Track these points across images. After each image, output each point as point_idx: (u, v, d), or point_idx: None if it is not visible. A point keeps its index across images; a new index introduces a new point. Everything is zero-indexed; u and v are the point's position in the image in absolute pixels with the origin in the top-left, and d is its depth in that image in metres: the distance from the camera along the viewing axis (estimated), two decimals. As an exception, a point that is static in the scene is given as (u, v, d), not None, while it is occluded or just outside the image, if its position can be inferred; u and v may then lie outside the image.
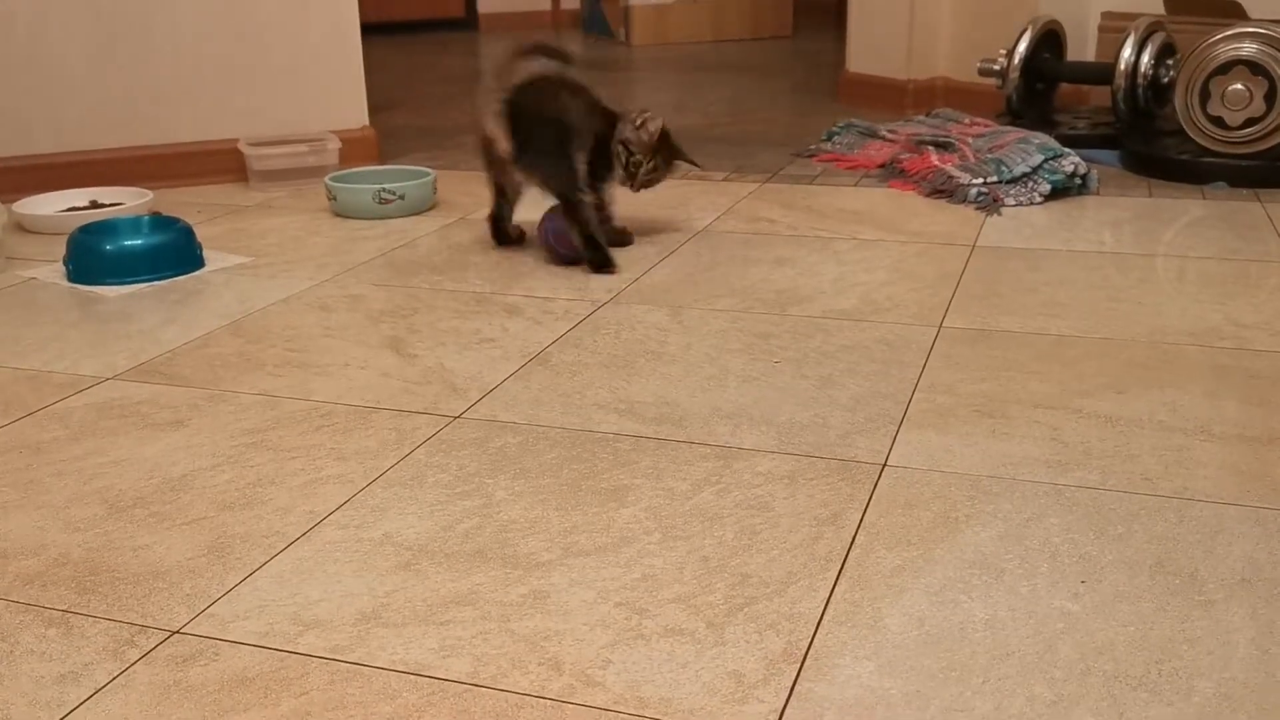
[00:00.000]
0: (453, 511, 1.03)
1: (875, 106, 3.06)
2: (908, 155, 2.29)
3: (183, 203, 2.16)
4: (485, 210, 1.88)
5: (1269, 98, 2.11)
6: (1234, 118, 2.15)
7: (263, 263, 1.80)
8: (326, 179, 2.10)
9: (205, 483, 1.09)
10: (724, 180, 2.30)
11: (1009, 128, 2.34)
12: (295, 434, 1.19)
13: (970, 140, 2.30)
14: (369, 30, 2.56)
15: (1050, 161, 2.10)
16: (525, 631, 0.85)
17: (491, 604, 0.89)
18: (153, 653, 0.84)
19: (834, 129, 2.60)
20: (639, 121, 1.78)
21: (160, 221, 1.77)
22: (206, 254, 1.80)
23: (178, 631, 0.86)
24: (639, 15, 4.86)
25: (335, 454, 1.14)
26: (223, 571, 0.94)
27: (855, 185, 2.23)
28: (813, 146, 2.54)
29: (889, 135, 2.47)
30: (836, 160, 2.43)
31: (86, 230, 1.73)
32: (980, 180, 2.08)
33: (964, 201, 2.06)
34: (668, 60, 4.40)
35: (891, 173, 2.27)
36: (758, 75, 3.92)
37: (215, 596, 0.90)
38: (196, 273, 1.74)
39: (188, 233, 1.76)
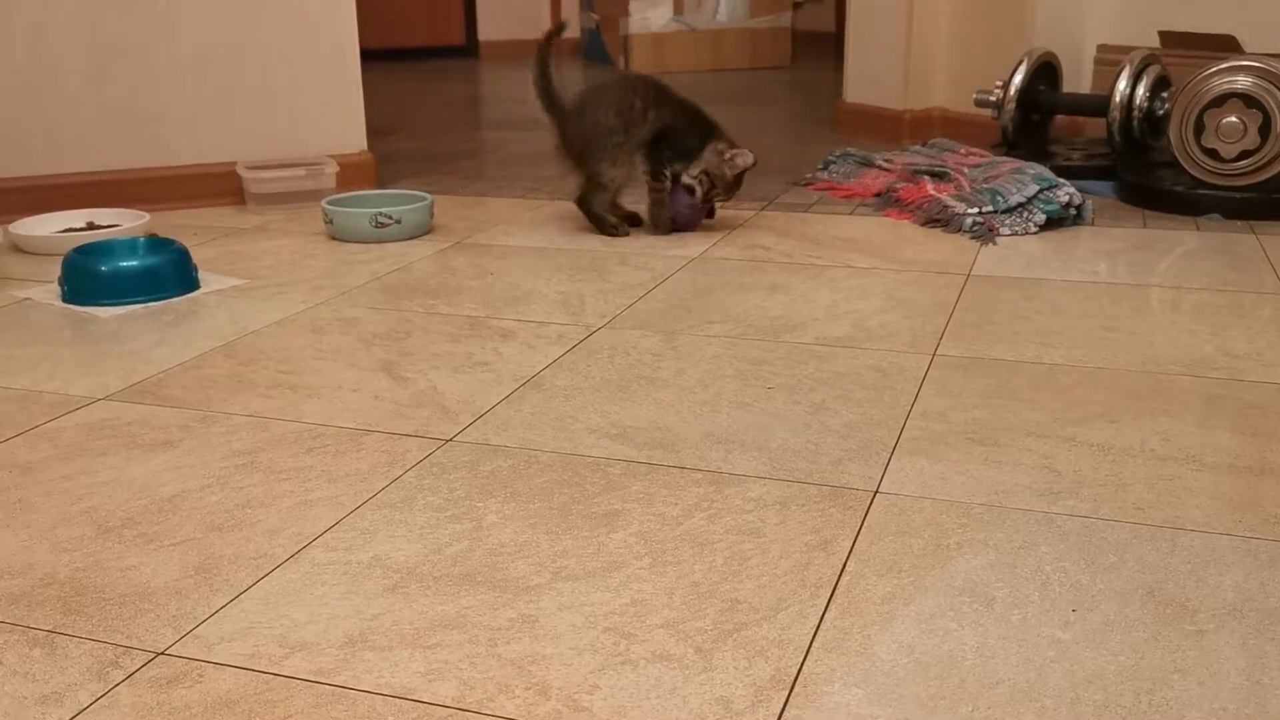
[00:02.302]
0: (442, 535, 1.02)
1: (872, 136, 3.08)
2: (903, 184, 2.30)
3: (180, 225, 2.16)
4: (480, 234, 1.88)
5: (1263, 130, 2.12)
6: (1228, 150, 2.16)
7: (257, 285, 1.80)
8: (323, 202, 2.10)
9: (194, 504, 1.09)
10: (720, 208, 2.30)
11: (1004, 158, 2.35)
12: (286, 456, 1.18)
13: (966, 170, 2.31)
14: (369, 56, 2.57)
15: (1045, 192, 2.11)
16: (512, 655, 0.84)
17: (479, 627, 0.88)
18: (137, 674, 0.83)
19: (830, 157, 2.61)
20: (728, 155, 2.02)
21: (155, 243, 1.77)
22: (202, 276, 1.80)
23: (162, 653, 0.85)
24: (638, 44, 4.90)
25: (326, 476, 1.14)
26: (209, 593, 0.93)
27: (851, 214, 2.24)
28: (809, 175, 2.55)
29: (885, 164, 2.48)
30: (832, 189, 2.44)
31: (81, 251, 1.73)
32: (975, 210, 2.09)
33: (959, 231, 2.06)
34: (666, 89, 4.42)
35: (887, 201, 2.28)
36: (755, 104, 3.94)
37: (201, 618, 0.90)
38: (191, 294, 1.74)
39: (183, 254, 1.76)
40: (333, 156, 2.37)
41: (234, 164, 2.31)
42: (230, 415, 1.29)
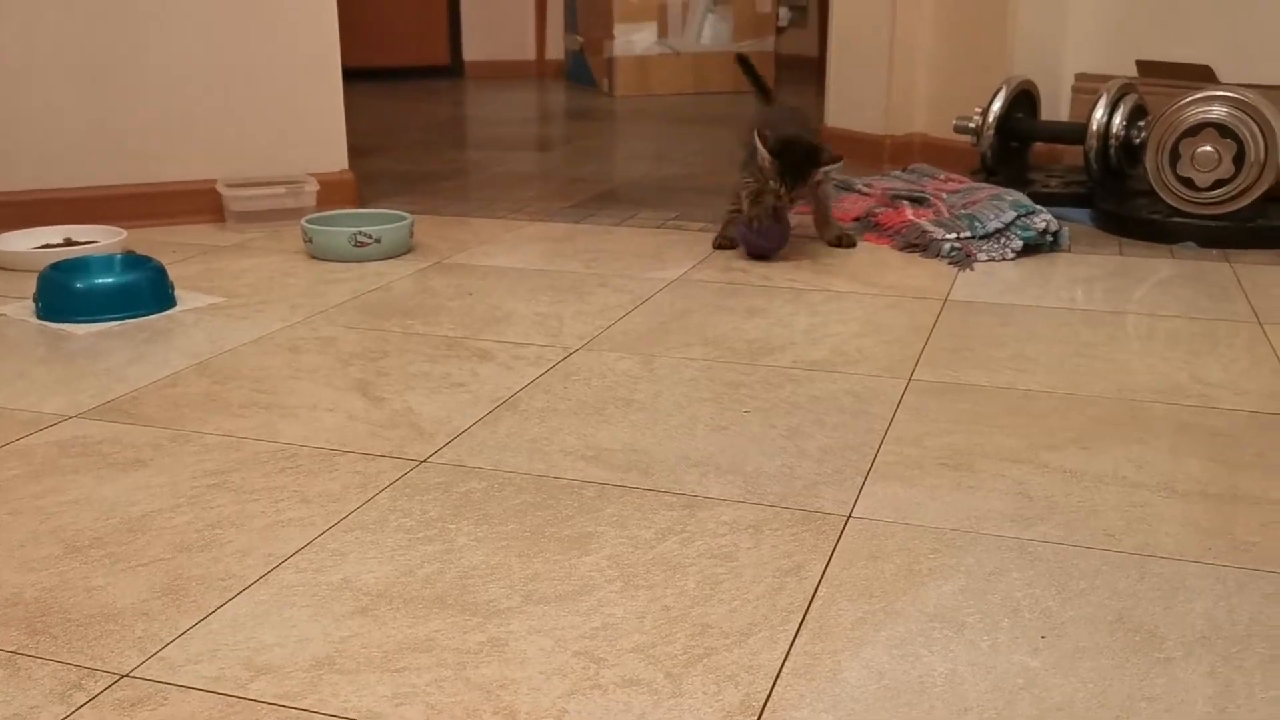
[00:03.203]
0: (413, 556, 1.02)
1: (853, 161, 3.09)
2: (883, 209, 2.31)
3: (158, 242, 2.16)
4: (460, 255, 1.88)
5: (1237, 160, 2.15)
6: (1203, 179, 2.18)
7: (235, 303, 1.79)
8: (303, 221, 2.10)
9: (164, 524, 1.08)
10: (700, 230, 2.31)
11: (983, 184, 2.37)
12: (258, 476, 1.18)
13: (945, 196, 2.32)
14: (354, 76, 2.58)
15: (1022, 218, 2.12)
16: (481, 680, 0.84)
17: (448, 651, 0.87)
18: (100, 696, 0.82)
19: (811, 182, 2.62)
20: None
21: (132, 260, 1.77)
22: (179, 293, 1.79)
23: (127, 675, 0.85)
24: (622, 66, 4.92)
25: (298, 496, 1.13)
26: (176, 614, 0.92)
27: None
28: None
29: (865, 189, 2.49)
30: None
31: (57, 267, 1.72)
32: (954, 235, 2.10)
33: (937, 256, 2.07)
34: (650, 111, 4.44)
35: (866, 226, 2.29)
36: (738, 128, 3.96)
37: (167, 640, 0.89)
38: (168, 312, 1.73)
39: (160, 272, 1.75)
40: (314, 175, 2.36)
41: (214, 181, 2.31)
42: (203, 434, 1.28)
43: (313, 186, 2.31)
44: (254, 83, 2.33)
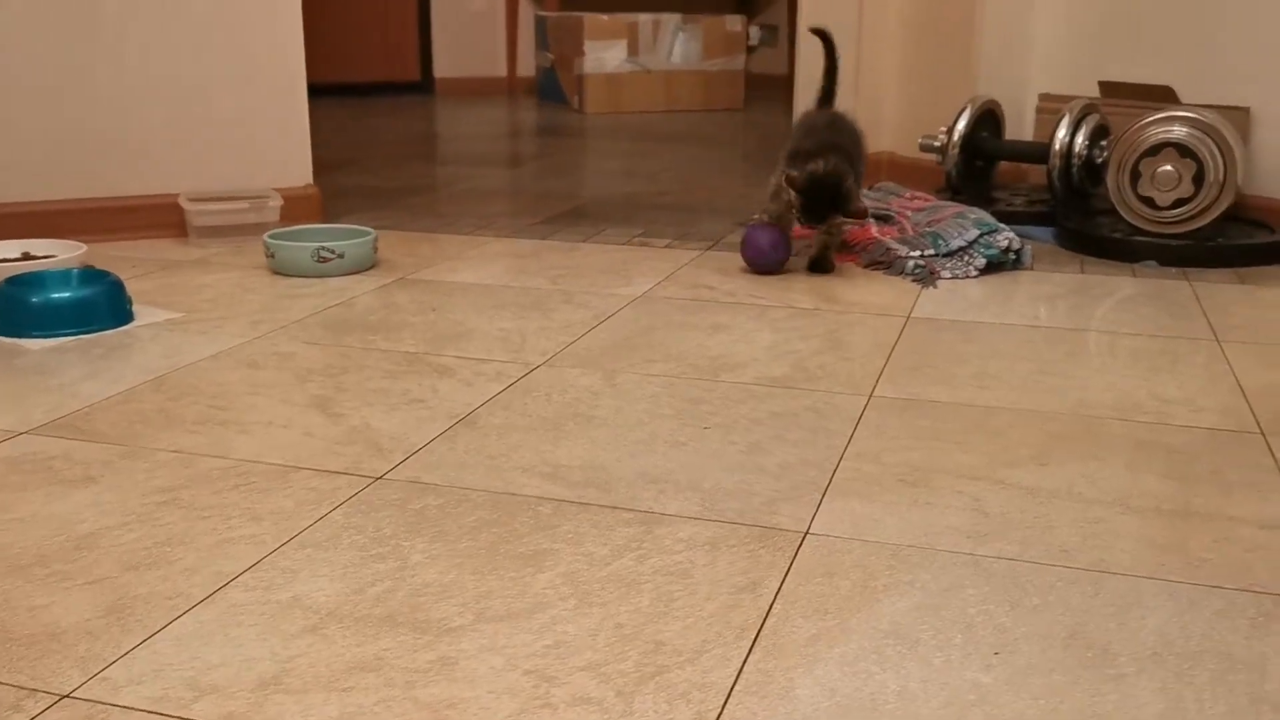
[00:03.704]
0: (366, 574, 1.00)
1: (820, 179, 3.10)
2: (849, 226, 2.32)
3: (118, 257, 2.13)
4: (425, 270, 1.87)
5: (1197, 180, 2.17)
6: (1164, 198, 2.20)
7: (194, 318, 1.78)
8: (265, 236, 2.08)
9: (112, 541, 1.06)
10: (666, 247, 2.31)
11: (948, 202, 2.38)
12: (209, 493, 1.16)
13: (910, 214, 2.33)
14: (325, 91, 2.57)
15: (985, 236, 2.14)
16: (429, 699, 0.83)
17: (397, 670, 0.86)
18: (40, 717, 0.80)
19: (778, 199, 2.63)
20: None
21: (89, 275, 1.75)
22: (137, 308, 1.77)
23: (68, 695, 0.83)
24: (592, 84, 4.93)
25: (250, 514, 1.12)
26: (120, 634, 0.91)
27: (795, 254, 2.25)
28: (756, 215, 2.57)
29: (831, 207, 2.50)
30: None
31: (12, 282, 1.70)
32: (918, 253, 2.11)
33: (901, 273, 2.08)
34: (620, 128, 4.45)
35: (832, 243, 2.29)
36: (707, 145, 3.98)
37: (110, 659, 0.87)
38: (125, 327, 1.71)
39: (117, 286, 1.73)
40: (278, 190, 2.35)
41: (177, 196, 2.29)
42: (156, 451, 1.27)
43: (276, 201, 2.29)
44: (218, 97, 2.31)
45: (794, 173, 2.00)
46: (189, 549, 1.05)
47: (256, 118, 2.35)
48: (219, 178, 2.34)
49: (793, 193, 2.00)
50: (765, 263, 2.10)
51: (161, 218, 2.30)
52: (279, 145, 2.38)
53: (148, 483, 1.18)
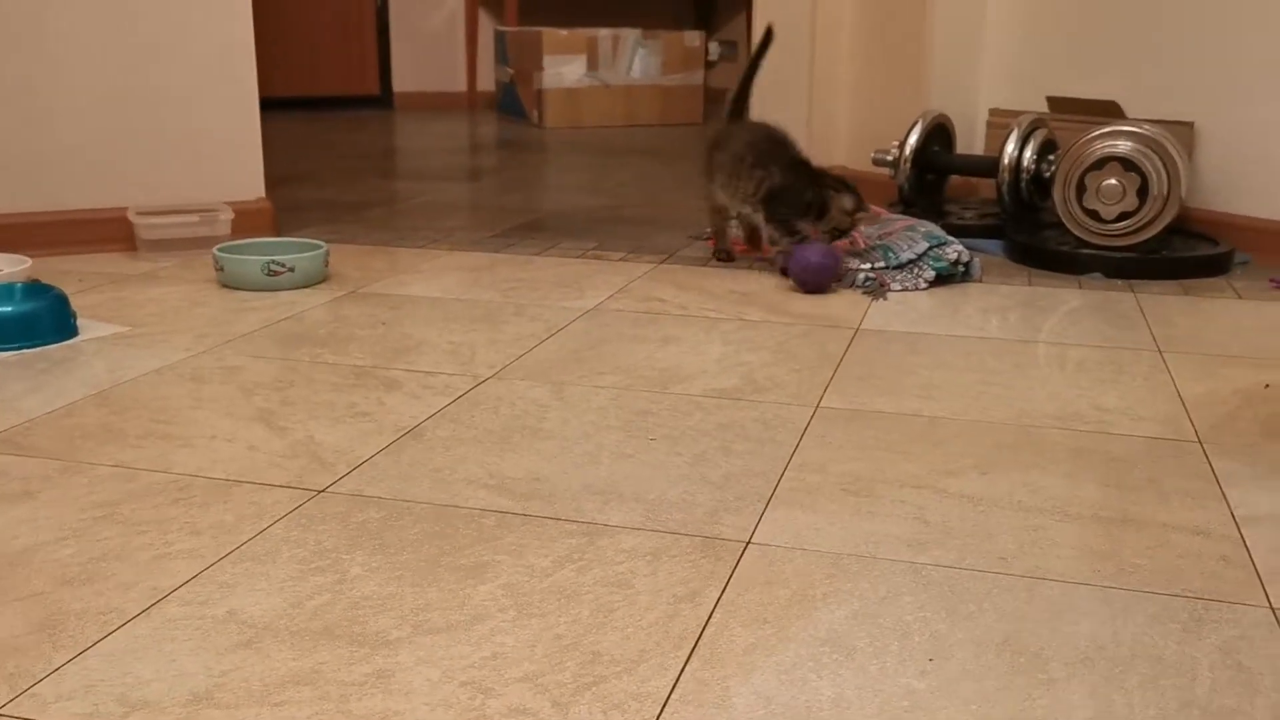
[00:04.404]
0: (304, 588, 1.00)
1: (776, 193, 3.12)
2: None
3: (65, 270, 2.11)
4: (376, 284, 1.87)
5: (1141, 193, 2.20)
6: (1108, 211, 2.23)
7: (139, 332, 1.76)
8: (215, 249, 2.07)
9: (46, 557, 1.05)
10: (620, 260, 2.32)
11: (899, 216, 2.41)
12: (148, 507, 1.15)
13: (862, 227, 2.35)
14: (282, 105, 2.56)
15: (935, 249, 2.16)
16: (363, 712, 0.82)
17: (332, 684, 0.86)
18: (-36, 736, 0.79)
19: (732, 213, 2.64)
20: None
21: (33, 289, 1.73)
22: (81, 323, 1.75)
23: (-6, 713, 0.82)
24: (551, 98, 4.94)
25: (189, 528, 1.11)
26: (51, 649, 0.90)
27: (748, 268, 2.27)
28: (709, 229, 2.58)
29: (784, 220, 2.52)
30: (733, 243, 2.46)
31: (-46, 296, 1.68)
32: (868, 266, 2.13)
33: (852, 286, 2.10)
34: (579, 143, 4.46)
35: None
36: (666, 159, 3.99)
37: (40, 675, 0.86)
38: (69, 341, 1.69)
39: (61, 300, 1.71)
40: (230, 203, 2.33)
41: (125, 209, 2.27)
42: (95, 466, 1.25)
43: (227, 215, 2.28)
44: (168, 110, 2.30)
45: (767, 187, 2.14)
46: (126, 564, 1.03)
47: (207, 130, 2.34)
48: (169, 191, 2.32)
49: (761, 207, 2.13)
50: (818, 279, 2.07)
51: (110, 231, 2.27)
52: (230, 158, 2.37)
53: (87, 498, 1.17)
